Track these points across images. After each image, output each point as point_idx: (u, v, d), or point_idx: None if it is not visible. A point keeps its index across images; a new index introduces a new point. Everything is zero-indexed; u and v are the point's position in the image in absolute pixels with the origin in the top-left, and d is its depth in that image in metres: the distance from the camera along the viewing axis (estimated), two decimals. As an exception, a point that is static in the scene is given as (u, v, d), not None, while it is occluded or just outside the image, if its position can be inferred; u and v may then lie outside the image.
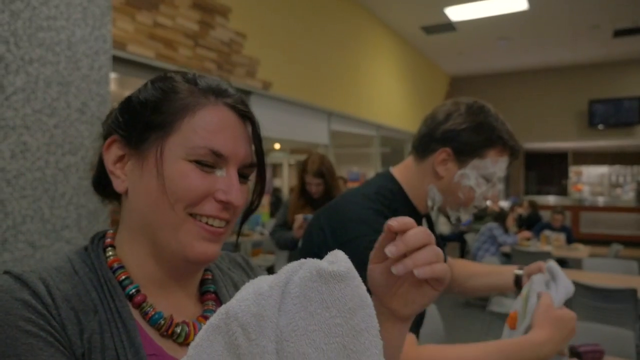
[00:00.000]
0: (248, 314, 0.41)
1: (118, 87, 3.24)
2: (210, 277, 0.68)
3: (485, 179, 1.07)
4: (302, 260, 0.45)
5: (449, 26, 6.65)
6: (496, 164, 1.07)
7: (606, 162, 12.89)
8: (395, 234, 0.53)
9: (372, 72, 5.98)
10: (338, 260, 0.44)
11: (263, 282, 0.44)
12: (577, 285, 2.87)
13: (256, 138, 0.63)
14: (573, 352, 1.63)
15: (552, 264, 1.10)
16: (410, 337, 0.93)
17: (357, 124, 5.78)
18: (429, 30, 6.75)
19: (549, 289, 1.04)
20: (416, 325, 1.02)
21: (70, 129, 2.07)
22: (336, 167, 3.08)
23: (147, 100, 0.59)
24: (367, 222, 1.00)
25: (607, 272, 3.79)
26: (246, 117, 0.62)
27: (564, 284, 1.04)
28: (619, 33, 6.92)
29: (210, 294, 0.66)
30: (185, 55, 2.82)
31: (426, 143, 1.10)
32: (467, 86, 9.42)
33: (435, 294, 0.56)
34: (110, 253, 0.60)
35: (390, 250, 0.51)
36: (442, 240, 1.34)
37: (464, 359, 0.92)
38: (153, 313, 0.57)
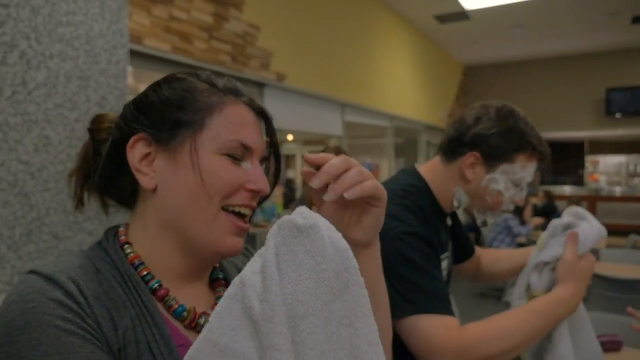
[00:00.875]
0: (256, 279, 0.48)
1: (134, 80, 3.28)
2: (217, 264, 0.71)
3: (514, 183, 1.07)
4: (278, 221, 0.51)
5: (463, 15, 6.57)
6: (525, 169, 1.06)
7: (624, 152, 12.68)
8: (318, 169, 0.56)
9: (386, 63, 5.95)
10: (306, 213, 0.50)
11: (258, 256, 0.51)
12: (594, 276, 2.85)
13: (271, 131, 0.68)
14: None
15: (577, 208, 1.09)
16: (452, 320, 0.95)
17: (370, 114, 5.76)
18: (443, 19, 6.68)
19: (579, 227, 1.02)
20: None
21: (90, 123, 2.11)
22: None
23: (170, 100, 0.62)
24: (397, 217, 1.01)
25: (624, 263, 3.76)
26: (260, 113, 0.67)
27: (596, 224, 1.04)
28: (637, 20, 6.77)
29: (220, 281, 0.69)
30: (200, 48, 2.84)
31: (455, 146, 1.10)
32: (481, 75, 9.31)
33: (380, 211, 0.58)
34: (129, 250, 0.61)
35: (314, 182, 0.55)
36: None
37: (505, 328, 0.93)
38: (177, 306, 0.59)
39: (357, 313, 0.48)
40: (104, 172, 0.65)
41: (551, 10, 6.54)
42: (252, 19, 3.33)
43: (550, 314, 0.95)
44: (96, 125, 0.69)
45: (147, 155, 0.62)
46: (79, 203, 0.72)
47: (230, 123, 0.62)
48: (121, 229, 0.65)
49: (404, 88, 6.51)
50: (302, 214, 0.51)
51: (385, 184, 1.15)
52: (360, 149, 7.54)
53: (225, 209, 0.61)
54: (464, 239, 1.34)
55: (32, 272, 0.53)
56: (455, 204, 1.11)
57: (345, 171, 0.54)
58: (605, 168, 13.06)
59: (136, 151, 0.61)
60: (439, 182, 1.12)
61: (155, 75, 3.26)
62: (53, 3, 1.96)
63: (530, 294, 1.07)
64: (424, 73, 7.25)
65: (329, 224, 0.50)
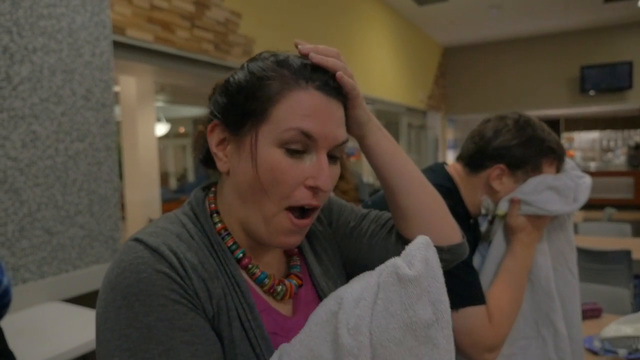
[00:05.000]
0: (350, 309, 0.52)
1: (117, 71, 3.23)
2: None
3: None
4: (388, 261, 0.54)
5: (441, -4, 6.59)
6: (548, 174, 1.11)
7: (597, 128, 13.00)
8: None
9: (366, 46, 5.96)
10: (414, 260, 0.52)
11: (365, 280, 0.55)
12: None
13: (354, 103, 0.66)
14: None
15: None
16: (485, 310, 1.02)
17: (352, 99, 5.76)
18: (421, 1, 6.69)
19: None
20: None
21: (77, 116, 2.10)
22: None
23: (242, 86, 0.61)
24: None
25: (601, 236, 3.90)
26: (336, 94, 0.62)
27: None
28: (610, -3, 6.90)
29: (293, 249, 0.72)
30: (182, 37, 2.82)
31: (478, 160, 1.13)
32: (460, 56, 9.39)
33: (358, 100, 0.66)
34: (217, 220, 0.64)
35: (304, 47, 0.62)
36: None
37: (507, 301, 1.05)
38: (259, 273, 0.63)
39: None
40: (204, 151, 0.68)
41: (526, -10, 6.60)
42: (233, 6, 3.31)
43: (517, 267, 1.09)
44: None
45: (222, 140, 0.63)
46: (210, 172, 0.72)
47: (293, 112, 0.58)
48: (210, 195, 0.67)
49: (384, 71, 6.54)
50: (409, 261, 0.52)
51: None
52: (343, 133, 7.53)
53: (288, 208, 0.60)
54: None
55: (138, 241, 0.55)
56: (484, 211, 1.15)
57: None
58: (580, 144, 13.38)
59: (214, 135, 0.63)
60: (465, 188, 1.15)
61: (140, 66, 3.21)
62: (33, -5, 1.93)
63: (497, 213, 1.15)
64: (404, 55, 7.29)
65: (436, 272, 0.52)
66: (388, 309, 0.50)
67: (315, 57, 0.61)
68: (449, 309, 0.52)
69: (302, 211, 0.61)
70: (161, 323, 0.50)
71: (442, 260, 0.71)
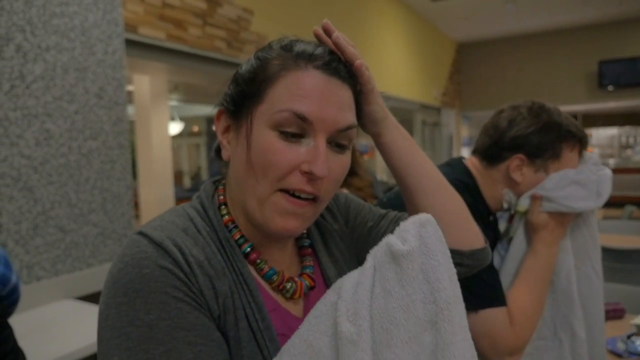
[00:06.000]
0: (349, 296, 0.49)
1: (130, 70, 3.24)
2: (305, 231, 0.69)
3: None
4: (381, 241, 0.51)
5: (455, -9, 6.51)
6: (570, 160, 1.06)
7: (616, 124, 12.74)
8: None
9: (379, 43, 5.92)
10: (407, 235, 0.49)
11: (362, 266, 0.51)
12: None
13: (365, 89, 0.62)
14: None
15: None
16: (506, 312, 0.98)
17: (365, 96, 5.71)
18: (434, -4, 6.62)
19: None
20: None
21: (90, 114, 2.10)
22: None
23: (246, 71, 0.59)
24: None
25: (622, 234, 3.81)
26: (340, 75, 0.57)
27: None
28: (629, -10, 6.74)
29: (307, 249, 0.68)
30: (195, 34, 2.81)
31: (495, 152, 1.09)
32: (474, 52, 9.27)
33: (372, 95, 0.63)
34: (225, 212, 0.61)
35: (328, 25, 0.60)
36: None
37: (522, 300, 1.00)
38: (267, 269, 0.60)
39: (446, 353, 0.45)
40: (217, 142, 0.67)
41: (543, -17, 6.49)
42: (245, 3, 3.30)
43: (539, 266, 1.04)
44: None
45: (227, 128, 0.61)
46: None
47: (287, 92, 0.55)
48: (220, 186, 0.65)
49: (397, 68, 6.48)
50: (403, 237, 0.49)
51: None
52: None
53: (282, 190, 0.56)
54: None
55: (142, 234, 0.53)
56: (505, 205, 1.10)
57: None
58: (598, 141, 13.12)
59: (220, 124, 0.62)
60: (484, 182, 1.11)
61: (152, 64, 3.22)
62: (46, -6, 1.93)
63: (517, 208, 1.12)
64: (417, 52, 7.22)
65: (431, 248, 0.48)
66: (385, 287, 0.47)
67: (339, 39, 0.59)
68: (450, 289, 0.47)
69: (297, 199, 0.57)
70: (163, 322, 0.48)
71: (463, 265, 0.68)
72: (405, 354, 0.45)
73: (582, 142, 1.07)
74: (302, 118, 0.54)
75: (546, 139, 1.04)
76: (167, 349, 0.48)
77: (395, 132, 0.68)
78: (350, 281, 0.51)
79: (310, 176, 0.55)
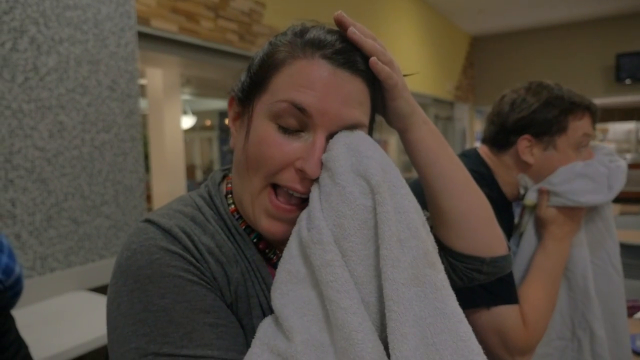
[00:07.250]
0: (305, 215, 0.52)
1: (142, 62, 3.25)
2: None
3: (574, 148, 1.05)
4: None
5: (469, -17, 6.42)
6: (578, 130, 1.04)
7: (633, 118, 12.51)
8: None
9: (392, 36, 5.86)
10: (332, 146, 0.52)
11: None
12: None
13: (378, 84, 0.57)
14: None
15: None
16: (518, 310, 0.96)
17: (377, 90, 5.68)
18: (448, -11, 6.54)
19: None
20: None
21: (103, 107, 2.10)
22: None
23: (257, 57, 0.57)
24: None
25: (639, 230, 3.74)
26: (351, 67, 0.53)
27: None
28: (649, -19, 6.59)
29: None
30: (207, 27, 2.81)
31: (502, 138, 1.08)
32: (489, 46, 9.15)
33: (396, 90, 0.58)
34: (231, 201, 0.59)
35: (342, 17, 0.56)
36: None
37: (541, 299, 0.98)
38: (276, 259, 0.59)
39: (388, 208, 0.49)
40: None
41: (560, -25, 6.36)
42: (257, -5, 3.28)
43: (550, 264, 1.01)
44: None
45: (237, 115, 0.59)
46: None
47: (288, 82, 0.52)
48: (229, 174, 0.63)
49: (410, 61, 6.42)
50: (329, 148, 0.52)
51: None
52: (368, 125, 7.46)
53: (274, 185, 0.54)
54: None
55: (150, 222, 0.51)
56: (522, 191, 1.09)
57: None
58: (615, 135, 12.90)
59: (232, 111, 0.60)
60: (499, 170, 1.10)
61: (164, 57, 3.23)
62: (59, -14, 1.93)
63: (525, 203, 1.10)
64: (431, 45, 7.14)
65: (357, 148, 0.50)
66: (325, 191, 0.51)
67: (355, 34, 0.54)
68: (379, 176, 0.49)
69: (288, 197, 0.54)
70: (179, 305, 0.46)
71: (482, 273, 0.65)
72: (359, 239, 0.48)
73: (590, 110, 1.05)
74: (300, 109, 0.51)
75: (550, 114, 1.03)
76: (187, 331, 0.46)
77: (423, 129, 0.63)
78: (304, 212, 0.53)
79: (303, 174, 0.52)
